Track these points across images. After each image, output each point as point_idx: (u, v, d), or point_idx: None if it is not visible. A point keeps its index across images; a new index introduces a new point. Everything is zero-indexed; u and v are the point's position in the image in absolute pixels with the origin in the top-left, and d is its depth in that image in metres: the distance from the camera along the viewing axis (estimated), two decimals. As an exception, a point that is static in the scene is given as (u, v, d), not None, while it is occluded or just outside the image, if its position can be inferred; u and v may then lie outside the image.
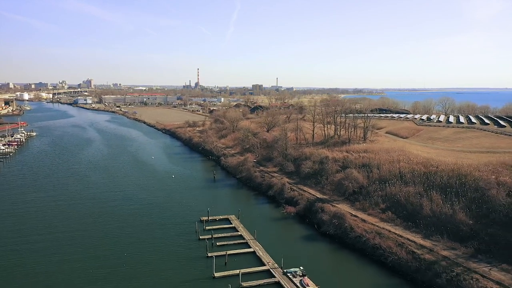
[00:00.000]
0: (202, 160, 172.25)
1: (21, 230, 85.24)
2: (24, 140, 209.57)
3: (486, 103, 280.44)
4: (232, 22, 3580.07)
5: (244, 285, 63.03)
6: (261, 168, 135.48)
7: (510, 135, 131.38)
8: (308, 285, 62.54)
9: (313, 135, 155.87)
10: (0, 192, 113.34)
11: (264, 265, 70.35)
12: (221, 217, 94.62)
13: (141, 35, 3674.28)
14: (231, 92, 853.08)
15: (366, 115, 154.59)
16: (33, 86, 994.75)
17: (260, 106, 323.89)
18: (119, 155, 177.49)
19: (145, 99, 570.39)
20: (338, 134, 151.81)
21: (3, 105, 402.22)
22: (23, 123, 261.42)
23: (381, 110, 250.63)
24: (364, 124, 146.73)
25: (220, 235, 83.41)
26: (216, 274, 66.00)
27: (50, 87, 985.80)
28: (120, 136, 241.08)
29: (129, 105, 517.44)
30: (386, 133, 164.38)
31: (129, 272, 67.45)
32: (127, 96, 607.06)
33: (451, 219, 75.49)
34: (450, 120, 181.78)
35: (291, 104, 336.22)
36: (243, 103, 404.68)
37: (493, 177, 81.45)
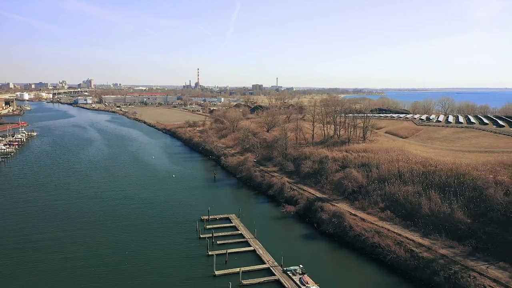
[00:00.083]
0: (202, 159, 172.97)
1: (23, 229, 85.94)
2: (24, 140, 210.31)
3: (486, 103, 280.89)
4: (232, 22, 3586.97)
5: (245, 283, 63.73)
6: (261, 167, 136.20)
7: (508, 135, 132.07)
8: (307, 283, 63.27)
9: (312, 135, 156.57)
10: (1, 192, 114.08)
11: (264, 263, 71.06)
12: (221, 216, 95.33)
13: (141, 35, 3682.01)
14: (231, 92, 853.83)
15: (365, 115, 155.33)
16: (33, 86, 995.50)
17: (260, 106, 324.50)
18: (120, 154, 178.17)
19: (145, 99, 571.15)
20: (338, 134, 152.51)
21: (3, 105, 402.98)
22: (23, 123, 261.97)
23: (380, 110, 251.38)
24: (363, 124, 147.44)
25: (220, 234, 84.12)
26: (217, 272, 66.72)
27: (50, 87, 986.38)
28: (120, 136, 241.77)
29: (129, 105, 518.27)
30: (385, 133, 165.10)
31: (130, 270, 68.17)
32: (127, 96, 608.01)
33: (449, 218, 76.19)
34: (449, 120, 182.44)
35: (291, 104, 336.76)
36: (243, 103, 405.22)
37: (491, 176, 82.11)
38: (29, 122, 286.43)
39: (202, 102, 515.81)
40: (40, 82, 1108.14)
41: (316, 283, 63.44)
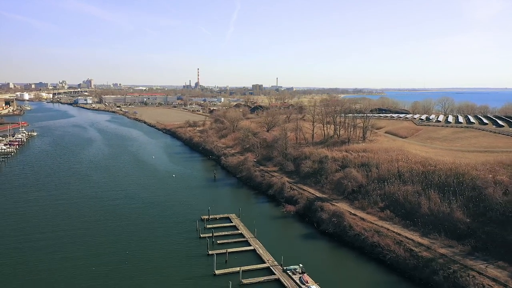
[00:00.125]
0: (202, 159, 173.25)
1: (23, 228, 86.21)
2: (25, 140, 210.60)
3: (486, 103, 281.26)
4: (232, 22, 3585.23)
5: (245, 282, 64.01)
6: (261, 167, 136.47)
7: (508, 135, 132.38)
8: (307, 282, 63.56)
9: (312, 134, 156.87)
10: (2, 192, 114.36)
11: (264, 262, 71.37)
12: (221, 215, 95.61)
13: (141, 35, 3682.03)
14: (231, 92, 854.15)
15: (365, 115, 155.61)
16: (33, 86, 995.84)
17: (260, 106, 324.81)
18: (120, 154, 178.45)
19: (145, 99, 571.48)
20: (338, 134, 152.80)
21: (3, 105, 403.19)
22: (24, 123, 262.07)
23: (380, 110, 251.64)
24: (363, 124, 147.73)
25: (220, 233, 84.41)
26: (217, 272, 67.00)
27: (50, 87, 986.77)
28: (120, 136, 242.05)
29: (129, 105, 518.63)
30: (385, 132, 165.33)
31: (131, 269, 68.46)
32: (127, 96, 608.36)
33: (448, 217, 76.45)
34: (449, 120, 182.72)
35: (291, 104, 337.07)
36: (243, 103, 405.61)
37: (490, 176, 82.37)
38: (29, 122, 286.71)
39: (202, 102, 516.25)
40: (40, 82, 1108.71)
41: (316, 282, 63.73)
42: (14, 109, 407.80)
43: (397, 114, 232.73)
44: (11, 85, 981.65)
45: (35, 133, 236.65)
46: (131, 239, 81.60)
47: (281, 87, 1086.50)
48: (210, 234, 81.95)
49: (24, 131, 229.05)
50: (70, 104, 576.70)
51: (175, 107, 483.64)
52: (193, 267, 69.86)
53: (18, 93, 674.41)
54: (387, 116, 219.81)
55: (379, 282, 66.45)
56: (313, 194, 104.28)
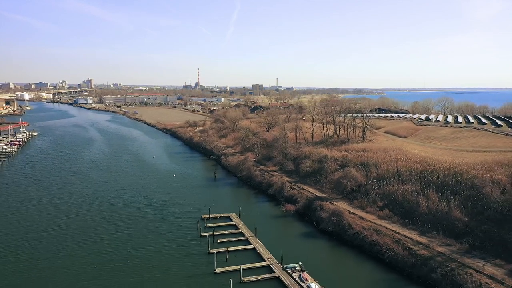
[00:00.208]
0: (202, 159, 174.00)
1: (26, 227, 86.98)
2: (26, 140, 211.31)
3: (486, 103, 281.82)
4: (232, 22, 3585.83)
5: (245, 280, 64.77)
6: (261, 167, 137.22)
7: (506, 135, 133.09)
8: (307, 280, 64.31)
9: (312, 134, 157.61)
10: (4, 191, 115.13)
11: (264, 261, 72.14)
12: (222, 215, 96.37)
13: (141, 35, 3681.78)
14: (231, 92, 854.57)
15: (365, 115, 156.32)
16: (33, 86, 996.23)
17: (260, 106, 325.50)
18: (121, 154, 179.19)
19: (145, 99, 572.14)
20: (337, 134, 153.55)
21: (4, 105, 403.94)
22: (24, 123, 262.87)
23: (380, 110, 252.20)
24: (363, 124, 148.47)
25: (221, 232, 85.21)
26: (218, 270, 67.76)
27: (51, 87, 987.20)
28: (121, 136, 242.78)
29: (130, 105, 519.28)
30: (385, 132, 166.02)
31: (132, 267, 69.21)
32: (127, 96, 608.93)
33: (447, 216, 77.22)
34: (448, 120, 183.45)
35: (291, 104, 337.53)
36: (243, 103, 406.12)
37: (488, 175, 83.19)
38: (29, 122, 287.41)
39: (202, 102, 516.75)
40: (40, 82, 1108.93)
41: (315, 280, 64.47)
42: (15, 109, 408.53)
43: (396, 114, 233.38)
44: (11, 85, 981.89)
45: (35, 133, 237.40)
46: (132, 237, 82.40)
47: (281, 87, 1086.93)
48: (211, 233, 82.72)
49: (25, 131, 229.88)
50: (71, 104, 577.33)
51: (175, 107, 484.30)
52: (194, 265, 70.64)
53: (18, 93, 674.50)
54: (386, 116, 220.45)
55: (378, 280, 67.21)
56: (312, 193, 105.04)
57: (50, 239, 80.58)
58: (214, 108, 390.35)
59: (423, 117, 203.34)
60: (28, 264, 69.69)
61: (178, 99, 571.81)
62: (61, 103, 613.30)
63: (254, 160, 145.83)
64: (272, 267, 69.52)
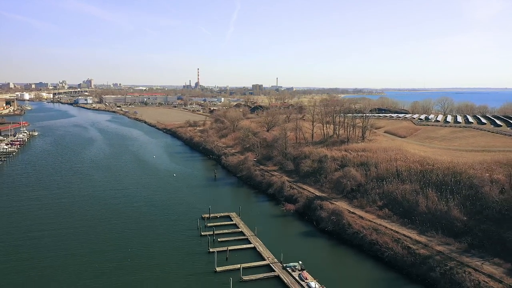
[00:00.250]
0: (203, 159, 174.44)
1: (27, 226, 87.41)
2: (26, 140, 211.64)
3: (485, 103, 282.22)
4: (232, 22, 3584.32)
5: (245, 278, 65.20)
6: (261, 167, 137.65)
7: (505, 134, 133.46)
8: (306, 279, 64.75)
9: (312, 134, 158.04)
10: (5, 190, 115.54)
11: (264, 260, 72.59)
12: (222, 214, 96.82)
13: (141, 35, 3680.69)
14: (231, 92, 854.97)
15: (364, 114, 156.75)
16: (33, 86, 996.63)
17: (260, 106, 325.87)
18: (121, 154, 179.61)
19: (145, 99, 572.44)
20: (337, 134, 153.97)
21: (4, 105, 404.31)
22: (24, 123, 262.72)
23: (380, 110, 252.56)
24: (362, 124, 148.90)
25: (221, 231, 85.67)
26: (218, 269, 68.19)
27: (51, 87, 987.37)
28: (121, 136, 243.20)
29: (130, 105, 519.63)
30: (384, 132, 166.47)
31: (133, 266, 69.65)
32: (127, 96, 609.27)
33: (446, 215, 77.67)
34: (447, 120, 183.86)
35: (291, 104, 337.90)
36: (243, 103, 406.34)
37: (487, 175, 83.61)
38: (30, 122, 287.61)
39: (202, 102, 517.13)
40: (40, 82, 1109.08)
41: (315, 279, 64.89)
42: (15, 109, 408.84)
43: (396, 114, 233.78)
44: (11, 85, 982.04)
45: (36, 133, 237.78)
46: (133, 236, 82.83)
47: (281, 87, 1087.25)
48: (211, 232, 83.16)
49: (25, 131, 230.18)
50: (71, 104, 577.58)
51: (175, 107, 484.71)
52: (195, 264, 71.09)
53: (19, 93, 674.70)
54: (386, 116, 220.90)
55: (377, 279, 67.64)
56: (312, 193, 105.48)
57: (51, 238, 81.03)
58: (214, 108, 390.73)
59: (422, 117, 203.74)
60: (30, 263, 70.11)
61: (178, 99, 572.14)
62: (61, 103, 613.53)
63: (254, 160, 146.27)
64: (272, 266, 69.96)
